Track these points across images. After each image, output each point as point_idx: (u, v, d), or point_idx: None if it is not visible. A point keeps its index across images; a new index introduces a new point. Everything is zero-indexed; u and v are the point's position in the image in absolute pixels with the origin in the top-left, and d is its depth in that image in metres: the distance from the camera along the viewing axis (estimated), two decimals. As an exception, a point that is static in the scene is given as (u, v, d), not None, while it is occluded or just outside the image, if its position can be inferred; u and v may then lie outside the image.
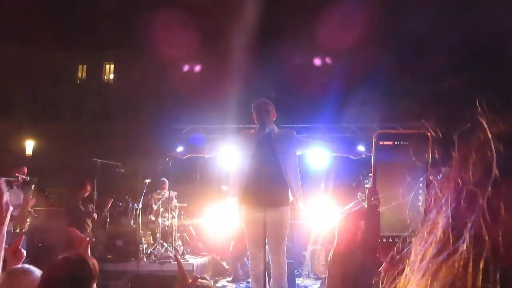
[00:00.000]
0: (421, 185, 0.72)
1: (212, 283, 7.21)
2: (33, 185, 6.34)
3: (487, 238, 0.38)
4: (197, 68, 29.38)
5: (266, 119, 4.40)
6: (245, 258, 7.25)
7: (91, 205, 7.37)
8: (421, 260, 0.43)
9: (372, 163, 0.83)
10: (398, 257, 0.49)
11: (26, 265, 2.24)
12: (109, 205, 7.57)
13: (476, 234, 0.39)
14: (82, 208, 7.18)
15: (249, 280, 4.80)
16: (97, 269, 1.91)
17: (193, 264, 7.79)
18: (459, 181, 0.43)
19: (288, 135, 4.52)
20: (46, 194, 21.50)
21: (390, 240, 0.76)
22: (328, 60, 25.23)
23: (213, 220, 9.26)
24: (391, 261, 0.51)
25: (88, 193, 7.37)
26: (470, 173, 0.43)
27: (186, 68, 28.32)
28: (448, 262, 0.40)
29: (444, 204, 0.44)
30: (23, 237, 6.01)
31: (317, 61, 25.66)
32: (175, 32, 26.52)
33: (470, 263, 0.38)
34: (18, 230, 6.07)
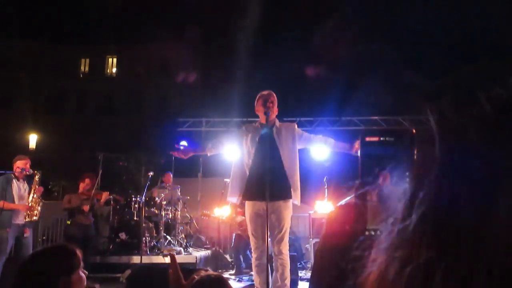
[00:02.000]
0: (407, 179, 0.73)
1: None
2: (37, 176, 6.36)
3: (431, 213, 0.43)
4: (199, 60, 29.33)
5: (270, 111, 4.39)
6: (248, 250, 7.27)
7: (93, 198, 7.37)
8: (384, 241, 0.48)
9: (359, 158, 0.85)
10: (370, 245, 0.53)
11: None
12: (105, 198, 7.55)
13: (423, 212, 0.43)
14: (83, 202, 7.18)
15: (252, 273, 4.82)
16: (80, 258, 1.89)
17: (196, 257, 7.82)
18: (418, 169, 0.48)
19: (290, 129, 4.50)
20: (49, 187, 21.62)
21: (372, 232, 0.76)
22: (330, 54, 25.13)
23: (216, 213, 9.28)
24: (364, 249, 0.54)
25: (88, 186, 7.36)
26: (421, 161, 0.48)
27: (187, 62, 28.26)
28: (401, 236, 0.45)
29: (405, 191, 0.48)
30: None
31: (320, 55, 25.57)
32: (177, 24, 26.45)
33: (417, 236, 0.43)
34: (29, 219, 6.13)
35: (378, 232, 0.50)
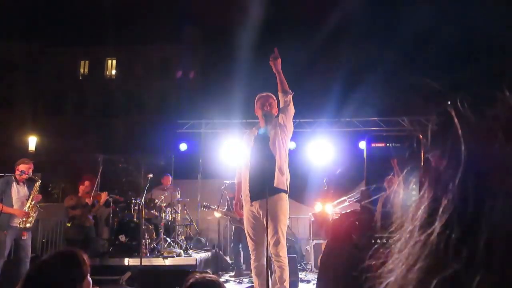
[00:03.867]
0: (414, 186, 0.72)
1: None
2: (38, 182, 6.31)
3: (457, 221, 0.40)
4: (198, 62, 29.34)
5: (268, 113, 4.39)
6: (248, 252, 7.25)
7: (93, 200, 7.37)
8: (402, 250, 0.45)
9: (365, 165, 0.84)
10: (385, 254, 0.50)
11: None
12: (104, 199, 7.54)
13: (448, 220, 0.41)
14: (83, 204, 7.18)
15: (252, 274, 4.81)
16: (88, 264, 1.88)
17: (196, 259, 7.80)
18: (434, 173, 0.45)
19: (277, 123, 4.48)
20: (49, 189, 21.62)
21: (384, 241, 0.76)
22: (329, 55, 25.14)
23: (216, 215, 9.27)
24: (378, 259, 0.51)
25: (88, 188, 7.36)
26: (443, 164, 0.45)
27: (187, 64, 28.27)
28: (423, 245, 0.42)
29: (422, 197, 0.46)
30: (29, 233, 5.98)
31: (320, 56, 25.58)
32: (176, 26, 26.46)
33: (442, 245, 0.40)
34: (23, 225, 6.07)
35: (392, 241, 0.47)
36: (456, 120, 0.45)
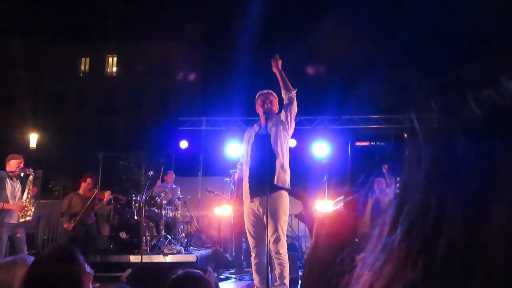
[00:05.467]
0: (398, 185, 0.71)
1: (216, 275, 7.23)
2: (31, 176, 6.30)
3: (417, 229, 0.39)
4: (199, 60, 29.32)
5: (269, 110, 4.40)
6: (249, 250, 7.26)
7: (94, 197, 7.38)
8: (369, 256, 0.44)
9: (349, 164, 0.83)
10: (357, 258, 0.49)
11: (19, 256, 2.17)
12: (107, 197, 7.56)
13: (409, 227, 0.39)
14: (84, 202, 7.19)
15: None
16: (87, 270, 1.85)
17: (196, 256, 7.82)
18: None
19: (279, 120, 4.49)
20: (50, 186, 21.64)
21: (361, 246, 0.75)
22: (330, 52, 25.11)
23: (216, 212, 9.28)
24: (350, 263, 0.51)
25: (90, 186, 7.38)
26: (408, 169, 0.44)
27: (187, 60, 28.25)
28: (387, 254, 0.41)
29: (392, 200, 0.44)
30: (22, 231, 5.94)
31: (320, 53, 25.54)
32: (177, 23, 26.43)
33: (403, 253, 0.39)
34: (23, 219, 6.08)
35: (362, 247, 0.46)
36: (416, 125, 0.43)
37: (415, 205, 0.40)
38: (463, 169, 0.38)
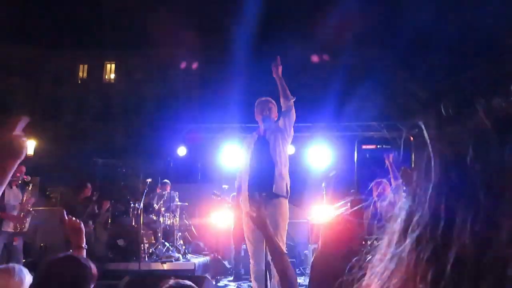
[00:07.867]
0: (404, 188, 0.70)
1: (214, 283, 7.20)
2: (30, 185, 6.29)
3: (427, 240, 0.38)
4: (197, 67, 29.39)
5: (267, 118, 4.40)
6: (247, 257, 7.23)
7: (93, 205, 7.37)
8: (378, 265, 0.43)
9: (355, 169, 0.82)
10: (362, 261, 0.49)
11: (12, 265, 2.16)
12: (107, 207, 7.55)
13: (418, 238, 0.39)
14: (82, 209, 7.18)
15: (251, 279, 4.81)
16: (95, 272, 1.86)
17: (194, 264, 7.78)
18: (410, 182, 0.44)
19: (277, 128, 4.50)
20: (47, 193, 21.54)
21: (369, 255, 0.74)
22: (328, 58, 25.20)
23: (215, 219, 9.25)
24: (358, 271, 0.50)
25: (89, 193, 7.38)
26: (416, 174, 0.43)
27: (185, 66, 28.31)
28: (397, 261, 0.40)
29: (400, 209, 0.44)
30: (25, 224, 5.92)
31: (317, 59, 25.63)
32: (175, 30, 26.50)
33: (412, 264, 0.38)
34: (18, 230, 6.05)
35: (371, 255, 0.45)
36: (426, 135, 0.43)
37: (424, 215, 0.39)
38: (472, 180, 0.37)
